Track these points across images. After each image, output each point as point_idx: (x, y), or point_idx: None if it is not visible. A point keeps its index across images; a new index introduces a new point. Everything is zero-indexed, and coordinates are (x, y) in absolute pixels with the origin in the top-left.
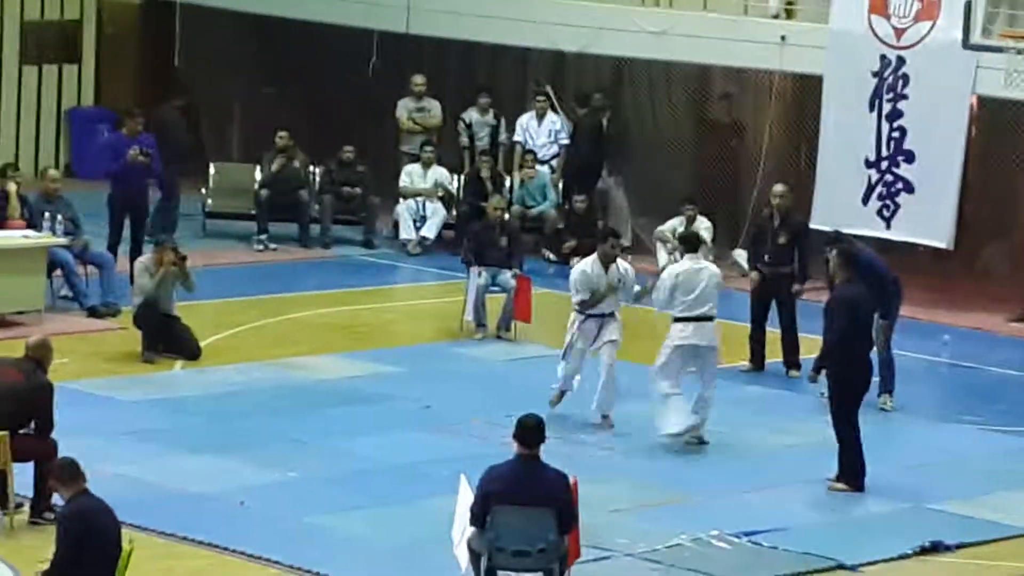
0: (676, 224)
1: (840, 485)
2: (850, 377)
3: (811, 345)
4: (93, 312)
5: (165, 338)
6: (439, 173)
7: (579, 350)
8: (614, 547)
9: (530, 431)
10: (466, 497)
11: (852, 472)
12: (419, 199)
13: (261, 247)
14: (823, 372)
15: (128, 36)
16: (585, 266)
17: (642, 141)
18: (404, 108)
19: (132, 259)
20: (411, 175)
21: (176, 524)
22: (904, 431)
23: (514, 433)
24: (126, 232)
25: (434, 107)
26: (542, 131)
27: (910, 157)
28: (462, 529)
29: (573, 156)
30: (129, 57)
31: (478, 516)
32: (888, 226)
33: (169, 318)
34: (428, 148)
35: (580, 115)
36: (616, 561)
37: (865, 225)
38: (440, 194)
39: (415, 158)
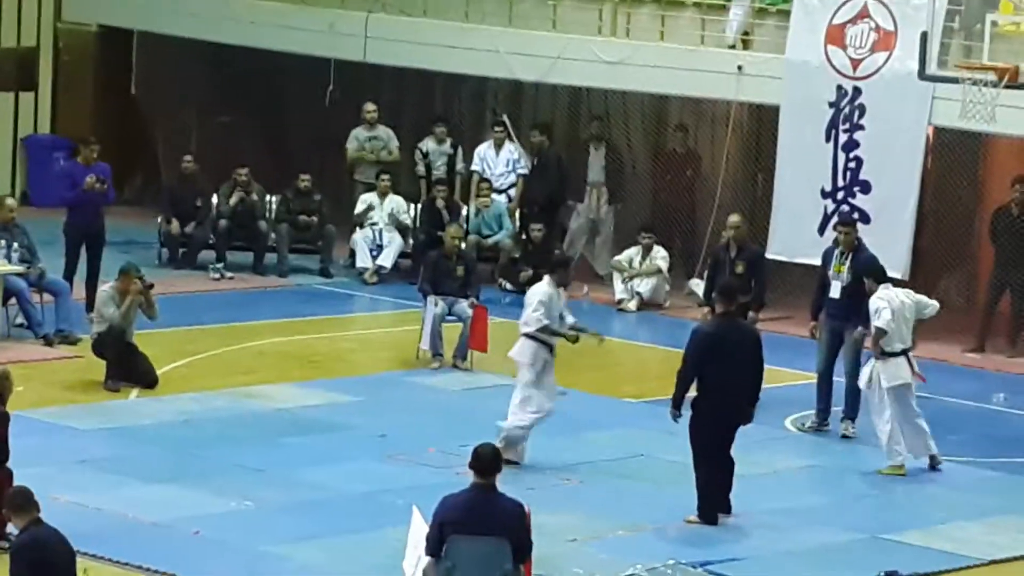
0: (633, 253)
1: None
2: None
3: (768, 376)
4: (48, 341)
5: (123, 367)
6: (395, 202)
7: None
8: None
9: (485, 460)
10: (418, 528)
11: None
12: (375, 228)
13: (218, 275)
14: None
15: (84, 64)
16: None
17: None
18: (355, 138)
19: (88, 287)
20: (367, 204)
21: (131, 553)
22: (861, 461)
23: (470, 462)
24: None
25: (387, 135)
26: (500, 160)
27: (866, 188)
28: (415, 560)
29: (534, 185)
30: (85, 85)
31: (434, 546)
32: None
33: (128, 346)
34: (384, 177)
35: (542, 144)
36: None
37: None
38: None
39: (371, 187)
